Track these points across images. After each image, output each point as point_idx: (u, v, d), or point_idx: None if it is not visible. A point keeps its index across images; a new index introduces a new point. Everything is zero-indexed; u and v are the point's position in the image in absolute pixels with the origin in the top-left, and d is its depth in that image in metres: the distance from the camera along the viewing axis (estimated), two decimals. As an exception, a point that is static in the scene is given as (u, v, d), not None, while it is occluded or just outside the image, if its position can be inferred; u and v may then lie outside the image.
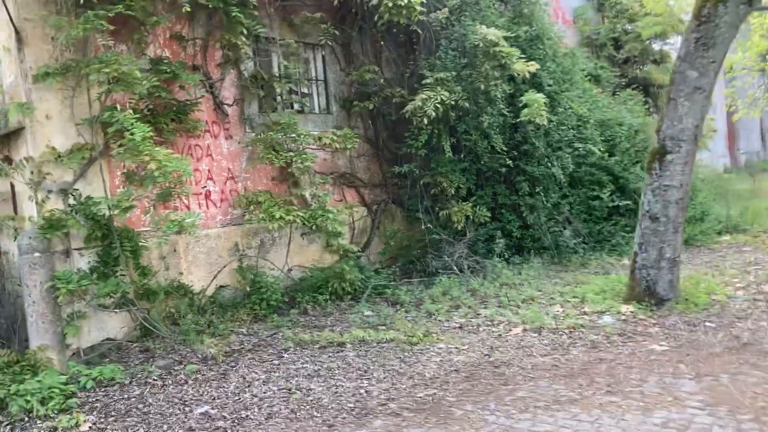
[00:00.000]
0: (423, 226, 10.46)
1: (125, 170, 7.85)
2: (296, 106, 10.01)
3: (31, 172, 7.12)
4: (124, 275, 7.54)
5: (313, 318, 8.51)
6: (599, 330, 7.03)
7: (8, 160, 7.34)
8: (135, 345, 7.58)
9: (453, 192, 10.50)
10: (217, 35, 8.81)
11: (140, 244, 7.66)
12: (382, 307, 8.76)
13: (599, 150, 12.16)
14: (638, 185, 12.16)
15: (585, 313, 7.63)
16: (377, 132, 10.87)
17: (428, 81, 9.79)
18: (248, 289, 8.50)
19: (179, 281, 8.27)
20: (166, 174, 6.89)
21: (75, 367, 6.61)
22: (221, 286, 8.86)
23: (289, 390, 5.87)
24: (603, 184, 12.31)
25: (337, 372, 6.31)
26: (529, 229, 11.28)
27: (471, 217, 10.60)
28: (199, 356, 7.07)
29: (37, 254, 6.86)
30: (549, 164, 11.29)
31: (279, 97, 9.79)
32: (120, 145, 6.89)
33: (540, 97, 9.82)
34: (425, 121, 9.44)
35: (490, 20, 10.50)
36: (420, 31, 10.13)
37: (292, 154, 8.93)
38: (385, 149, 11.19)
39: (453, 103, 9.64)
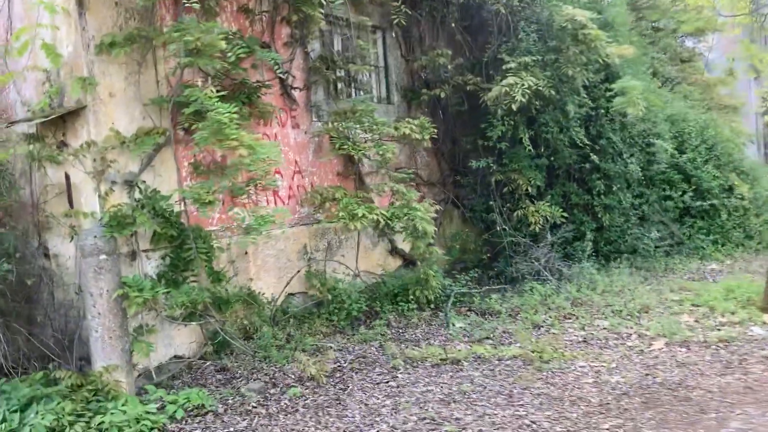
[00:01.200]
0: (498, 228, 9.48)
1: (193, 160, 6.76)
2: (355, 95, 8.95)
3: (94, 160, 6.00)
4: (195, 281, 6.44)
5: (400, 330, 7.48)
6: (758, 343, 6.10)
7: (63, 145, 6.20)
8: (208, 363, 6.47)
9: (529, 190, 9.54)
10: (286, 8, 7.76)
11: (213, 245, 6.56)
12: (472, 317, 7.76)
13: (670, 146, 11.31)
14: (712, 185, 11.37)
15: (724, 324, 6.71)
16: (446, 124, 9.87)
17: (511, 66, 8.83)
18: (329, 297, 7.42)
19: (249, 288, 7.18)
20: (258, 162, 5.82)
21: (155, 392, 5.49)
22: (290, 294, 7.78)
23: (433, 420, 4.84)
24: (674, 183, 11.48)
25: (474, 396, 5.31)
26: (602, 231, 10.37)
27: (547, 218, 9.65)
28: (293, 377, 6.00)
29: (103, 256, 5.75)
30: (625, 161, 10.41)
31: (341, 84, 8.76)
32: (193, 130, 5.82)
33: (638, 84, 8.91)
34: (514, 107, 8.48)
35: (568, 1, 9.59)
36: (498, 12, 9.17)
37: (370, 144, 7.89)
38: (447, 143, 10.21)
39: (538, 90, 8.68)
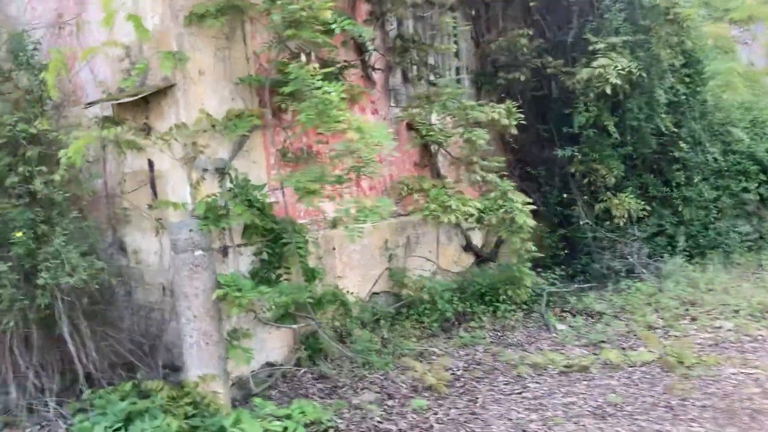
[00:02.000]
0: (581, 222, 8.83)
1: (281, 146, 6.14)
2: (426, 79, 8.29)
3: (184, 145, 5.36)
4: (287, 279, 5.82)
5: (497, 333, 6.87)
6: None
7: (147, 128, 5.55)
8: (304, 371, 5.84)
9: (613, 181, 8.90)
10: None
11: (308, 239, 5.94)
12: (570, 318, 7.14)
13: (746, 135, 10.68)
14: (791, 177, 10.74)
15: None
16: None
17: (598, 46, 8.18)
18: (423, 297, 6.79)
19: (337, 286, 6.55)
20: (371, 146, 5.19)
21: (264, 405, 4.86)
22: (374, 293, 7.15)
23: (601, 439, 4.22)
24: (750, 174, 10.84)
25: (628, 408, 4.70)
26: (683, 225, 9.74)
27: (629, 212, 9.00)
28: (406, 386, 5.38)
29: (199, 252, 5.11)
30: (705, 150, 9.79)
31: (416, 68, 8.11)
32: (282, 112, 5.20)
33: (736, 66, 8.27)
34: (607, 90, 7.84)
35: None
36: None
37: (452, 131, 7.26)
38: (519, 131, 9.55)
39: (630, 73, 8.04)
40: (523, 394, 5.08)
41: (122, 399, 4.82)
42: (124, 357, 5.40)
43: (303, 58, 5.46)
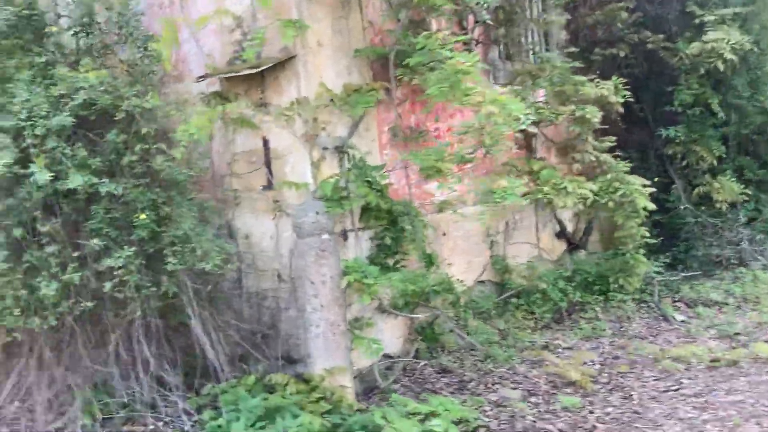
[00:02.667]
0: (682, 207, 8.34)
1: (393, 124, 5.74)
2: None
3: (305, 121, 4.97)
4: (404, 266, 5.44)
5: (613, 323, 6.43)
6: None
7: (263, 105, 5.17)
8: (423, 363, 5.47)
9: (712, 164, 8.38)
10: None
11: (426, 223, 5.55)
12: (690, 308, 6.68)
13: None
14: None
15: None
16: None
17: (708, 19, 7.65)
18: (541, 286, 6.38)
19: (447, 274, 6.14)
20: (511, 121, 4.76)
21: (404, 403, 4.48)
22: (478, 281, 6.75)
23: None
24: None
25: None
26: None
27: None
28: (545, 381, 4.98)
29: (326, 236, 4.77)
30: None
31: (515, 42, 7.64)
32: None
33: None
34: (720, 66, 7.34)
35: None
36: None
37: (572, 107, 6.80)
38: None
39: (742, 47, 7.52)
40: (681, 391, 4.67)
41: (249, 393, 4.49)
42: (240, 349, 5.05)
43: (434, 26, 5.05)
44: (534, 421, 4.33)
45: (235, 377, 4.75)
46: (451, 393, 4.94)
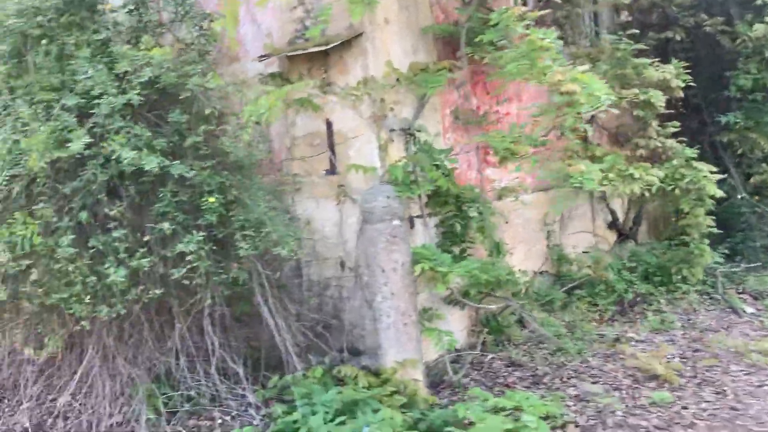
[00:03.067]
0: (740, 196, 8.03)
1: (454, 106, 5.50)
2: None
3: (373, 102, 4.73)
4: (471, 254, 5.20)
5: (680, 315, 6.16)
6: None
7: (326, 85, 4.93)
8: (491, 356, 5.23)
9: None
10: None
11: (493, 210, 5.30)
12: (757, 300, 6.40)
13: None
14: None
15: None
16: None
17: (770, 0, 7.33)
18: (608, 277, 6.12)
19: (509, 264, 5.89)
20: (594, 101, 4.50)
21: (485, 397, 4.24)
22: (537, 272, 6.50)
23: None
24: None
25: None
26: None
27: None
28: (623, 375, 4.73)
29: (396, 222, 4.53)
30: None
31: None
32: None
33: None
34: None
35: None
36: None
37: (635, 91, 6.51)
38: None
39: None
40: (776, 387, 4.40)
41: (321, 386, 4.27)
42: (305, 339, 4.82)
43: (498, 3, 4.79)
44: (624, 417, 4.07)
45: (302, 369, 4.53)
46: (526, 387, 4.71)
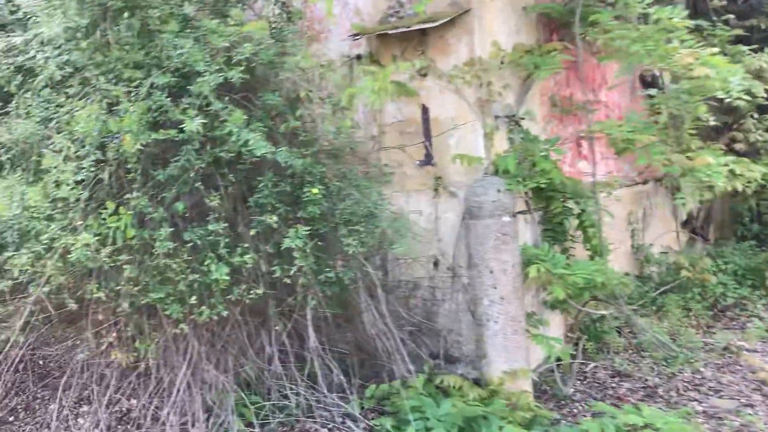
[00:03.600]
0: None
1: (551, 94, 5.08)
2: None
3: (480, 85, 4.32)
4: (572, 254, 4.79)
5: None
6: None
7: (424, 67, 4.51)
8: (593, 365, 4.82)
9: None
10: None
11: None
12: None
13: None
14: None
15: None
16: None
17: None
18: (712, 281, 5.70)
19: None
20: (727, 86, 4.07)
21: (613, 413, 3.82)
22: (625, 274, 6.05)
23: None
24: None
25: None
26: None
27: None
28: (749, 389, 4.30)
29: (506, 218, 4.12)
30: None
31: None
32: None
33: None
34: None
35: None
36: None
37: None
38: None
39: None
40: None
41: (430, 397, 3.87)
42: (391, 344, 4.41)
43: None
44: (774, 439, 3.66)
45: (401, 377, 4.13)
46: (640, 400, 4.29)
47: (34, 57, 3.80)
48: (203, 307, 3.36)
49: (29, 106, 3.73)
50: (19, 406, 4.18)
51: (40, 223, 3.07)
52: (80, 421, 3.78)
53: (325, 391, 4.02)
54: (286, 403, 3.88)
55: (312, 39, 5.09)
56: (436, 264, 4.63)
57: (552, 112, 5.15)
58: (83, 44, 3.81)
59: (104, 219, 3.31)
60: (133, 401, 3.89)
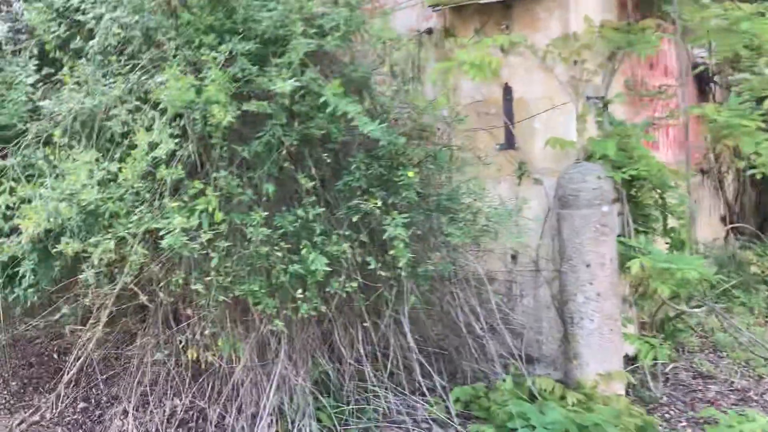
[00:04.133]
0: None
1: (626, 78, 4.77)
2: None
3: (574, 62, 3.99)
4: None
5: None
6: None
7: (510, 43, 4.16)
8: (672, 366, 4.54)
9: None
10: None
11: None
12: None
13: None
14: None
15: None
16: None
17: None
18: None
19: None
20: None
21: (731, 423, 3.54)
22: (680, 269, 5.79)
23: None
24: None
25: None
26: None
27: None
28: None
29: (606, 208, 3.80)
30: None
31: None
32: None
33: None
34: None
35: None
36: None
37: None
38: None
39: None
40: None
41: (527, 401, 3.55)
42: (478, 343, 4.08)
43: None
44: None
45: (487, 379, 3.82)
46: (734, 405, 4.02)
47: (92, 18, 3.36)
48: (299, 302, 2.97)
49: (87, 75, 3.29)
50: (90, 406, 3.80)
51: (126, 206, 2.66)
52: (146, 421, 3.40)
53: (407, 393, 3.68)
54: (366, 406, 3.52)
55: (375, 11, 4.70)
56: (514, 257, 4.31)
57: (629, 96, 4.85)
58: (148, 5, 3.38)
59: (184, 201, 2.91)
60: (200, 402, 3.50)
